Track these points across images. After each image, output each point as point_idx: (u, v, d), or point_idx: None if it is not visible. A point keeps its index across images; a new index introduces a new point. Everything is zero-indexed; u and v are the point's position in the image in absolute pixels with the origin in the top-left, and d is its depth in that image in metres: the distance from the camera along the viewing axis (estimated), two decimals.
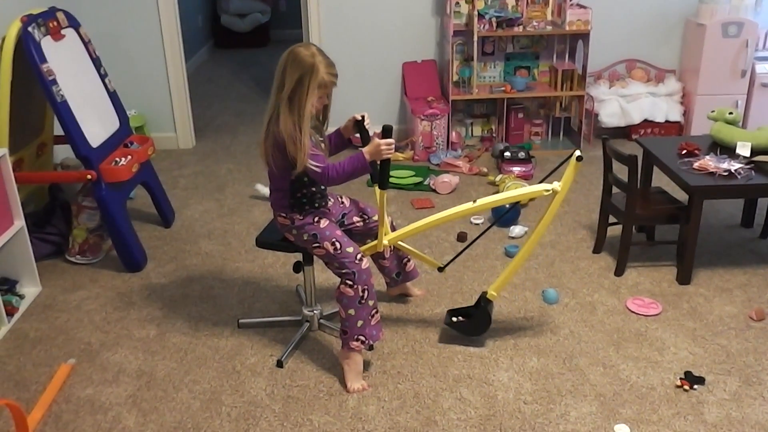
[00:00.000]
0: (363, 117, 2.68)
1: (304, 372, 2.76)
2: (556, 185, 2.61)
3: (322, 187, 2.72)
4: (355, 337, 2.63)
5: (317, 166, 2.50)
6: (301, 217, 2.67)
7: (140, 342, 2.98)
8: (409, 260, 3.13)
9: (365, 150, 2.54)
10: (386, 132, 2.57)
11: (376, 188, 2.77)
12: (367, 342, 2.65)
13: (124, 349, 2.94)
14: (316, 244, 2.65)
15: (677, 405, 2.54)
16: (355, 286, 2.58)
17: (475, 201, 2.75)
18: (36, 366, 2.84)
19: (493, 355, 2.83)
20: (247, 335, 3.00)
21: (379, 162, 2.60)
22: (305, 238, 2.67)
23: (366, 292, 2.60)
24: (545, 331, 2.98)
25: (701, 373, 2.68)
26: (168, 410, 2.57)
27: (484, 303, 2.86)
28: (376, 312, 2.67)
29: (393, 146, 2.55)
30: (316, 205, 2.70)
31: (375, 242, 2.85)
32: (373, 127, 2.69)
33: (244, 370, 2.78)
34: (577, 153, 2.61)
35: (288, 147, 2.46)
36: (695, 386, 2.61)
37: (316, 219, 2.66)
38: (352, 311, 2.61)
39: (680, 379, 2.64)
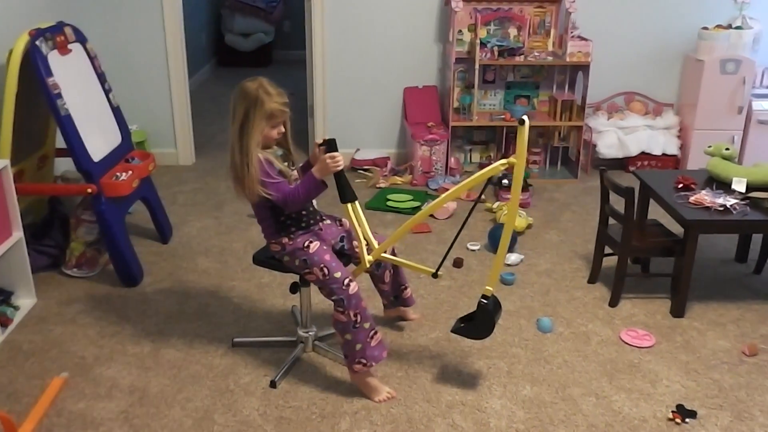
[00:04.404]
0: (328, 140, 2.64)
1: (298, 393, 2.75)
2: (512, 159, 2.54)
3: (308, 206, 2.74)
4: (356, 360, 2.65)
5: (270, 194, 2.55)
6: (291, 242, 2.69)
7: (134, 357, 2.98)
8: (406, 288, 3.13)
9: (314, 169, 2.57)
10: (329, 145, 2.58)
11: (348, 206, 2.76)
12: (369, 363, 2.66)
13: (118, 364, 2.93)
14: (307, 270, 2.67)
15: None
16: (346, 312, 2.59)
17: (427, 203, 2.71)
18: (28, 378, 2.83)
19: (486, 382, 2.84)
20: (241, 354, 3.00)
21: (334, 177, 2.63)
22: (297, 263, 2.69)
23: (358, 316, 2.60)
24: (539, 360, 2.99)
25: (693, 406, 2.69)
26: (160, 427, 2.56)
27: (483, 303, 2.73)
28: (375, 333, 2.68)
29: (338, 159, 2.55)
30: (303, 224, 2.72)
31: (360, 265, 2.84)
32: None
33: (238, 389, 2.78)
34: (524, 117, 2.49)
35: (240, 176, 2.52)
36: (687, 420, 2.62)
37: (305, 244, 2.67)
38: (348, 336, 2.62)
39: (672, 412, 2.65)
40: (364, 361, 2.65)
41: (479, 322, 2.74)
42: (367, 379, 2.71)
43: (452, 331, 2.80)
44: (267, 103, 2.52)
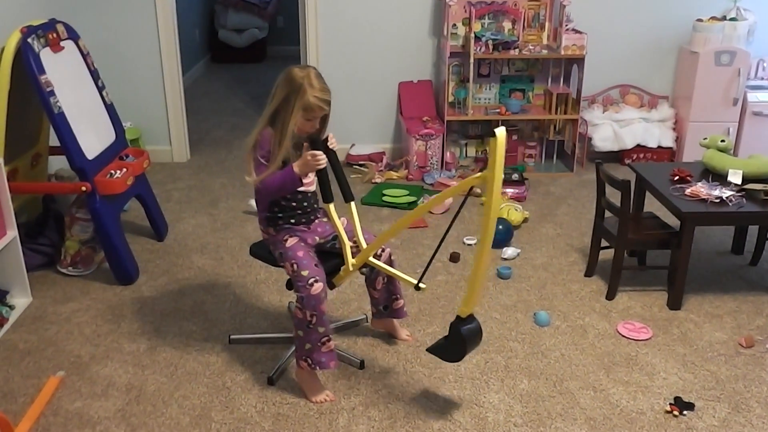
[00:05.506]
0: (312, 137, 2.62)
1: (295, 389, 2.75)
2: (486, 173, 2.27)
3: (305, 204, 2.72)
4: (303, 357, 2.64)
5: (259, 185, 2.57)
6: (275, 233, 2.70)
7: (130, 356, 2.97)
8: (398, 298, 2.98)
9: (295, 163, 2.53)
10: (313, 143, 2.54)
11: (330, 206, 2.71)
12: (313, 366, 2.64)
13: (114, 363, 2.92)
14: (282, 263, 2.67)
15: (666, 430, 2.54)
16: (304, 310, 2.56)
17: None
18: (24, 378, 2.82)
19: (483, 376, 2.84)
20: (238, 351, 3.00)
21: (316, 175, 2.61)
22: (277, 254, 2.71)
23: (314, 317, 2.56)
24: (536, 354, 2.99)
25: (691, 398, 2.69)
26: (157, 425, 2.56)
27: (455, 325, 2.54)
28: (328, 340, 2.63)
29: (320, 157, 2.51)
30: (293, 221, 2.70)
31: (344, 267, 2.74)
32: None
33: (235, 386, 2.77)
34: (498, 129, 2.18)
35: (251, 156, 2.55)
36: (685, 412, 2.62)
37: (285, 237, 2.67)
38: (300, 332, 2.61)
39: (670, 404, 2.65)
40: (309, 361, 2.63)
41: (450, 343, 2.57)
42: (309, 377, 2.70)
43: (427, 350, 2.68)
44: (307, 94, 2.48)
